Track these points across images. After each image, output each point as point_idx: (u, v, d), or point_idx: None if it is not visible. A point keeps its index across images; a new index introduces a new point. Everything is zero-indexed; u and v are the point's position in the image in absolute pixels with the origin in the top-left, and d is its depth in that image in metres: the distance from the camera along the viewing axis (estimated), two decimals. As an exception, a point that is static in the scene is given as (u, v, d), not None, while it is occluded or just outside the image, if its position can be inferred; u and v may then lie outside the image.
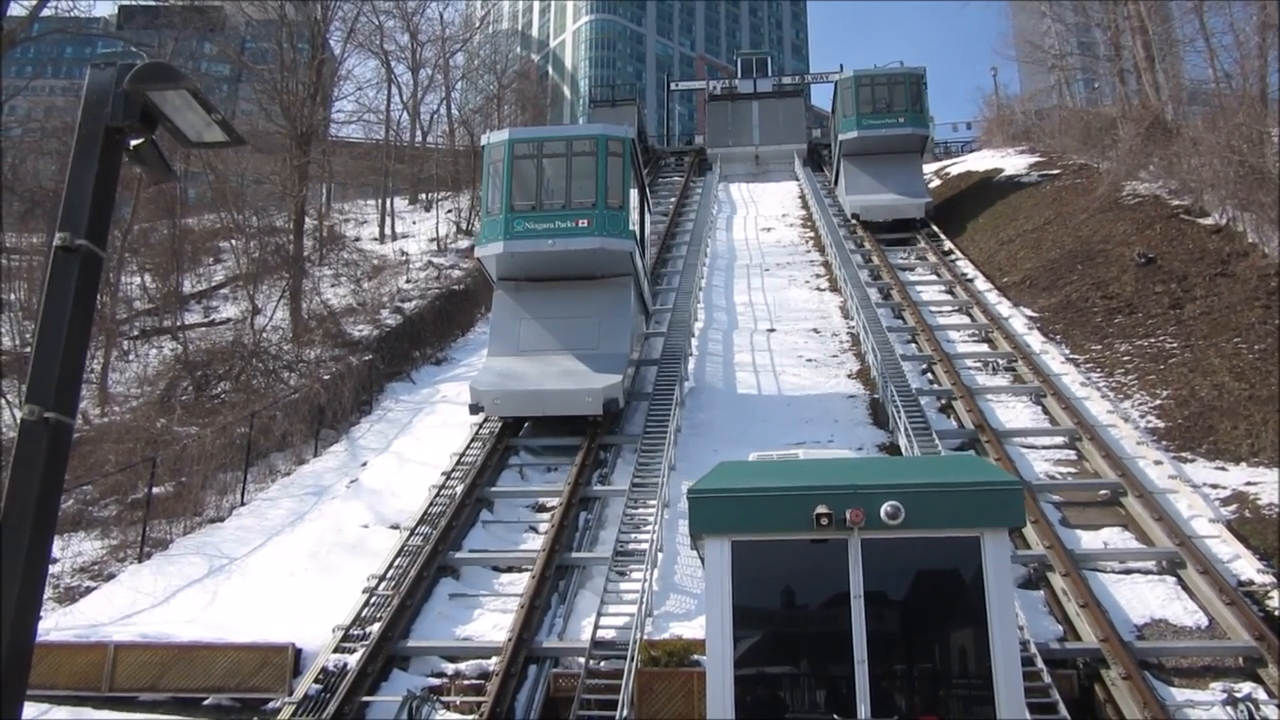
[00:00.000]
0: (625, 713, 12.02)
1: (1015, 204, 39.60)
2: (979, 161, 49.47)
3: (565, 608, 15.33)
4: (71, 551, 19.36)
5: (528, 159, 22.23)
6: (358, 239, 44.97)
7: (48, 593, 16.80)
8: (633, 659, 12.70)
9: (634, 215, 22.88)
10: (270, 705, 13.34)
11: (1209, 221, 29.25)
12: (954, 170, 49.04)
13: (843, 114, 43.36)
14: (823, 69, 57.89)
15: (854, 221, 40.42)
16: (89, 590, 17.81)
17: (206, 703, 13.61)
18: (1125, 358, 24.10)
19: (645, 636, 13.49)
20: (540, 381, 20.69)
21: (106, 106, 4.60)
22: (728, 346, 28.45)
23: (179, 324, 32.56)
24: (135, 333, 33.26)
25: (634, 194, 23.21)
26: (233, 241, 38.07)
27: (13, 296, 33.13)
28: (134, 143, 4.70)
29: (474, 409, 20.88)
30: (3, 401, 27.01)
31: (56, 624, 15.74)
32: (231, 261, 38.31)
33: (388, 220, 46.67)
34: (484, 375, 21.52)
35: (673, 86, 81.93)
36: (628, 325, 22.40)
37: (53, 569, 17.95)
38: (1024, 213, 37.93)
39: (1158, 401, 21.55)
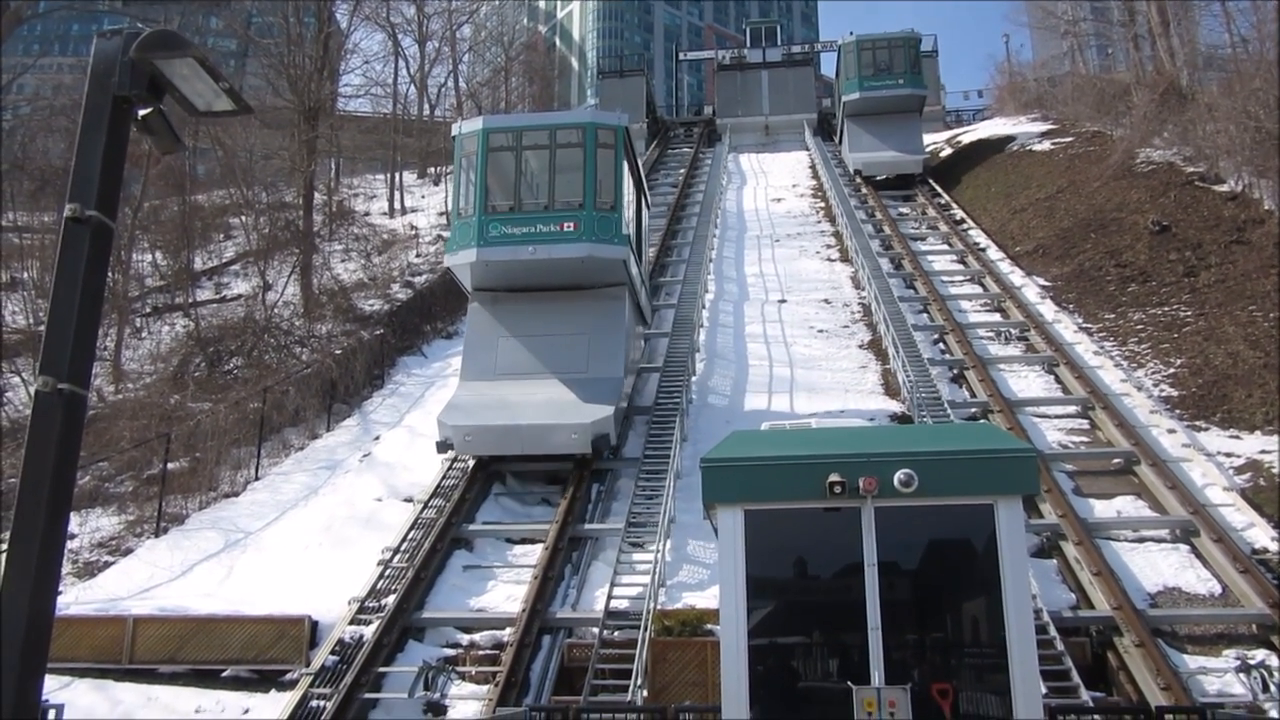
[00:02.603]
0: (639, 682, 12.10)
1: (1027, 172, 39.31)
2: (991, 129, 49.01)
3: (579, 579, 15.42)
4: (89, 527, 19.53)
5: (505, 152, 19.48)
6: (367, 214, 44.92)
7: (67, 567, 16.98)
8: (646, 629, 12.77)
9: (629, 215, 20.16)
10: (288, 677, 13.48)
11: (1224, 188, 28.98)
12: (965, 138, 48.64)
13: (846, 76, 46.28)
14: (833, 38, 57.29)
15: (858, 179, 42.36)
16: (107, 565, 17.98)
17: (225, 674, 13.76)
18: (1139, 326, 23.96)
19: (658, 606, 13.57)
20: (518, 414, 17.91)
21: (114, 76, 4.56)
22: (738, 318, 28.37)
23: (191, 300, 32.63)
24: (147, 310, 33.36)
25: (629, 190, 20.46)
26: (243, 218, 38.04)
27: (25, 275, 33.25)
28: (142, 113, 4.67)
29: (441, 447, 18.06)
30: (18, 379, 27.18)
31: (76, 598, 15.91)
32: (242, 238, 38.30)
33: (397, 195, 46.59)
34: (454, 405, 18.62)
35: (681, 56, 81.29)
36: (621, 344, 19.58)
37: (71, 544, 18.13)
38: (1036, 181, 37.65)
39: (1171, 370, 21.44)
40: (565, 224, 18.65)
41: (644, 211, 23.93)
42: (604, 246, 18.80)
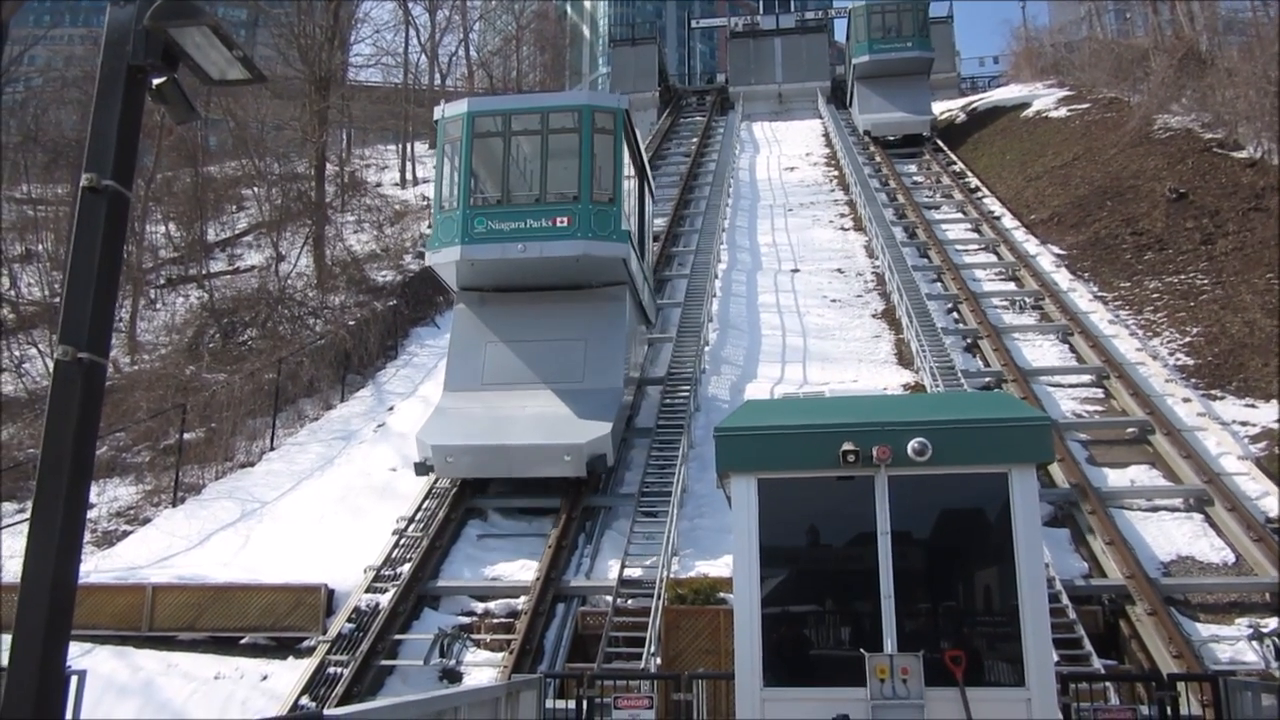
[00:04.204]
0: (652, 649, 12.20)
1: (1043, 139, 38.94)
2: (1006, 96, 48.50)
3: (592, 548, 15.51)
4: (107, 497, 19.74)
5: (492, 138, 17.74)
6: (379, 184, 44.86)
7: (86, 536, 17.17)
8: (659, 597, 12.88)
9: (629, 208, 18.45)
10: (305, 644, 13.66)
11: (1243, 155, 28.65)
12: (981, 105, 48.15)
13: (856, 39, 47.98)
14: (846, 4, 56.76)
15: (868, 141, 43.37)
16: (126, 534, 18.20)
17: (243, 642, 13.94)
18: (1155, 295, 23.80)
19: (671, 575, 13.65)
20: (505, 432, 16.17)
21: (128, 45, 4.55)
22: (751, 287, 28.30)
23: (204, 272, 32.73)
24: (162, 281, 33.50)
25: (630, 179, 18.77)
26: (255, 189, 38.05)
27: (40, 247, 33.39)
28: (156, 82, 4.67)
29: (420, 468, 16.36)
30: (35, 351, 27.38)
31: (96, 566, 16.12)
32: (254, 209, 38.33)
33: (408, 165, 46.46)
34: (435, 422, 16.85)
35: (694, 24, 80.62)
36: (621, 350, 17.84)
37: (90, 513, 18.32)
38: (1052, 148, 37.29)
39: (1187, 339, 21.31)
40: (558, 219, 16.98)
41: (647, 200, 22.09)
42: (601, 244, 17.09)
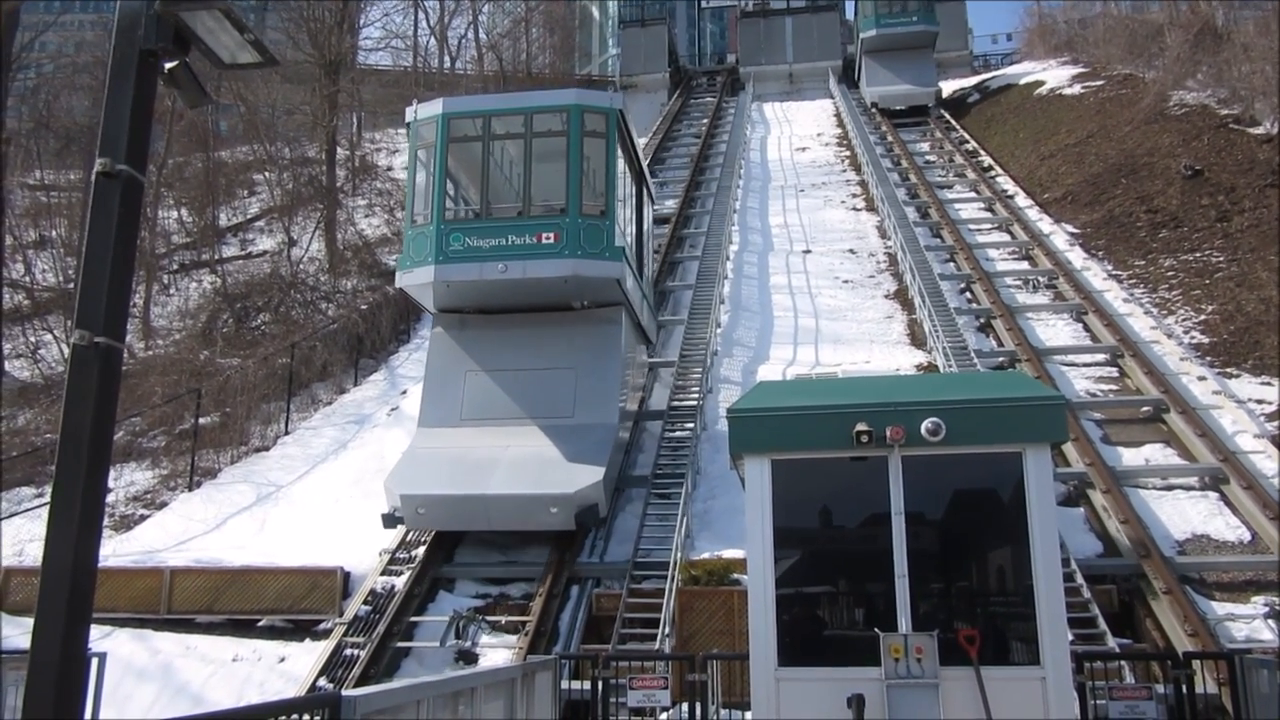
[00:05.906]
0: (667, 630, 12.25)
1: (1057, 117, 38.63)
2: (1020, 73, 48.15)
3: (605, 530, 15.53)
4: (124, 481, 19.88)
5: (470, 142, 16.01)
6: (389, 168, 44.76)
7: (105, 520, 17.33)
8: (673, 578, 12.91)
9: (624, 220, 16.65)
10: (322, 626, 13.79)
11: (1259, 131, 28.35)
12: (993, 83, 47.84)
13: (863, 14, 50.12)
14: (858, -18, 56.52)
15: (875, 114, 44.58)
16: (143, 518, 18.35)
17: (260, 624, 14.08)
18: (1169, 273, 23.64)
19: (685, 556, 13.69)
20: (484, 479, 14.34)
21: (139, 29, 4.55)
22: (763, 269, 28.23)
23: (217, 257, 32.82)
24: (174, 267, 33.60)
25: (625, 187, 17.00)
26: (266, 174, 38.08)
27: (54, 233, 33.51)
28: (168, 66, 4.68)
29: (389, 520, 14.59)
30: (50, 337, 27.54)
31: (115, 550, 16.26)
32: (266, 194, 38.38)
33: (419, 149, 46.32)
34: (405, 466, 15.11)
35: (704, 4, 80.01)
36: (616, 381, 16.01)
37: (107, 498, 18.44)
38: (1066, 126, 37.00)
39: (1202, 317, 21.18)
40: (544, 234, 15.17)
41: (646, 208, 20.17)
42: (592, 263, 15.28)
